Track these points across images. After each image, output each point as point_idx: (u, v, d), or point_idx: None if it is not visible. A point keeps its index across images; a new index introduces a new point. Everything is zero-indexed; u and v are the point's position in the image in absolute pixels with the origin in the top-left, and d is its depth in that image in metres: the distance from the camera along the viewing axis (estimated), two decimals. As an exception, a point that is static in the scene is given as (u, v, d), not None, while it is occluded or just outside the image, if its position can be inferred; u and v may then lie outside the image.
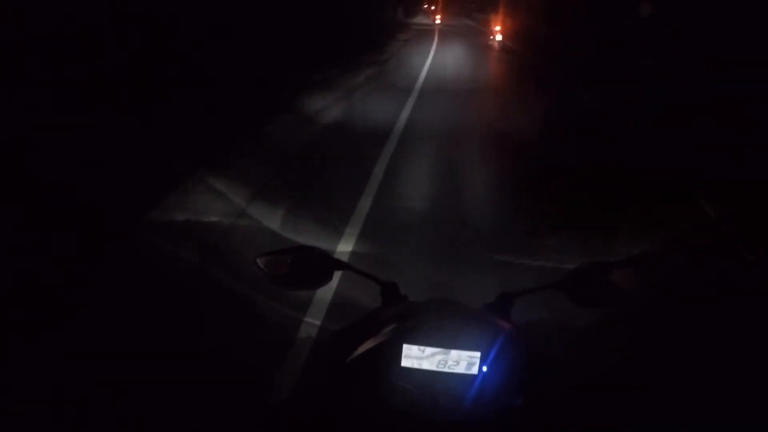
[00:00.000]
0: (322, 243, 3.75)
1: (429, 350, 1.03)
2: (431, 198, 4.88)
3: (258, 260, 1.18)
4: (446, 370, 1.03)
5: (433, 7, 29.65)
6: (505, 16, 17.23)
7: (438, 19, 25.05)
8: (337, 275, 1.23)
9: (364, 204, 4.58)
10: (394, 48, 15.88)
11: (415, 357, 1.03)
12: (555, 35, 14.69)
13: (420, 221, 4.32)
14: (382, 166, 5.63)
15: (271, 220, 4.08)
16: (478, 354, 1.02)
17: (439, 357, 1.03)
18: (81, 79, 5.12)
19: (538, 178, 5.43)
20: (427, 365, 1.03)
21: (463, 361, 1.03)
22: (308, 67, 10.36)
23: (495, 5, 18.73)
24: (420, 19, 27.48)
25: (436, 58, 14.36)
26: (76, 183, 3.85)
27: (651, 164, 5.98)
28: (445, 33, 20.38)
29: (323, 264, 1.20)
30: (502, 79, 12.95)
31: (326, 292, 3.04)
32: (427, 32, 20.83)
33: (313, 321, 2.88)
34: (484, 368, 1.02)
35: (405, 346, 1.03)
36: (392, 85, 10.60)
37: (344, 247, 3.79)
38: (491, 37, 16.76)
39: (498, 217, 4.45)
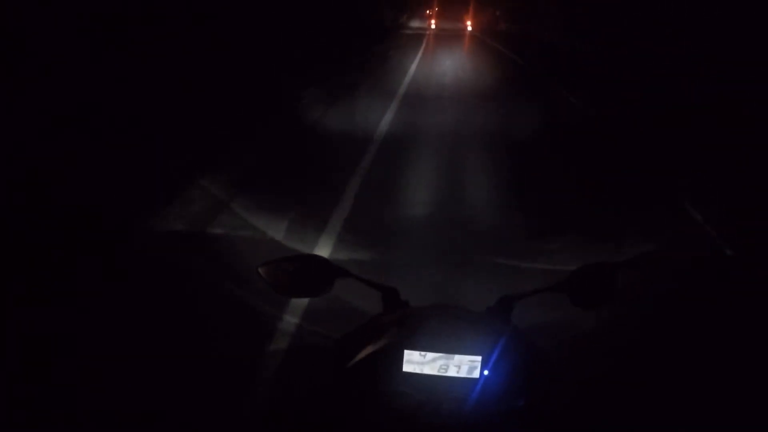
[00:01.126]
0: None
1: (430, 355, 1.03)
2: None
3: (260, 269, 1.18)
4: (448, 374, 1.03)
5: (429, 12, 35.72)
6: (473, 18, 32.20)
7: (433, 25, 31.64)
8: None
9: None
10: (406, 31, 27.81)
11: (417, 362, 1.04)
12: (499, 25, 31.00)
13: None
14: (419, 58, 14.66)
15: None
16: (479, 358, 1.02)
17: (440, 362, 1.03)
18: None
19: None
20: (428, 370, 1.04)
21: (465, 366, 1.03)
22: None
23: (469, 11, 32.96)
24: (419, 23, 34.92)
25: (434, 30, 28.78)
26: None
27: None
28: (439, 26, 32.81)
29: (324, 272, 1.20)
30: (465, 40, 25.38)
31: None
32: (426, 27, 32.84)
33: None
34: (486, 372, 1.03)
35: (406, 352, 1.03)
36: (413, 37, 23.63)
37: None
38: (465, 28, 31.14)
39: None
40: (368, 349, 1.06)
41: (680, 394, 2.18)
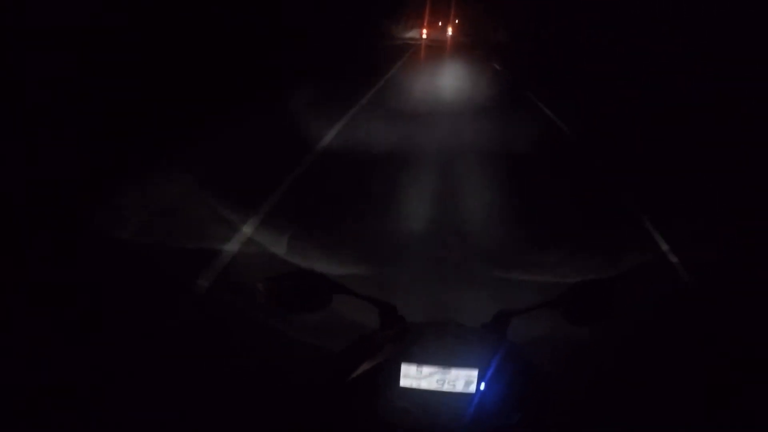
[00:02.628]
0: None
1: (427, 369, 1.04)
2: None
3: (258, 285, 1.18)
4: (445, 389, 1.04)
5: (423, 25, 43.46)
6: (454, 26, 42.39)
7: (425, 34, 37.36)
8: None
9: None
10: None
11: (414, 377, 1.04)
12: (472, 30, 38.44)
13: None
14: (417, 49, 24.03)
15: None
16: (475, 372, 1.03)
17: (437, 376, 1.04)
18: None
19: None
20: (425, 384, 1.04)
21: (461, 380, 1.04)
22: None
23: (450, 21, 44.18)
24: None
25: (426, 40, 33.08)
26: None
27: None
28: (430, 36, 39.37)
29: (323, 288, 1.20)
30: (447, 39, 32.75)
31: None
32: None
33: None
34: (482, 386, 1.03)
35: (403, 366, 1.04)
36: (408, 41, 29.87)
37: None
38: (447, 32, 40.00)
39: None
40: (365, 364, 1.07)
41: (676, 407, 2.16)
